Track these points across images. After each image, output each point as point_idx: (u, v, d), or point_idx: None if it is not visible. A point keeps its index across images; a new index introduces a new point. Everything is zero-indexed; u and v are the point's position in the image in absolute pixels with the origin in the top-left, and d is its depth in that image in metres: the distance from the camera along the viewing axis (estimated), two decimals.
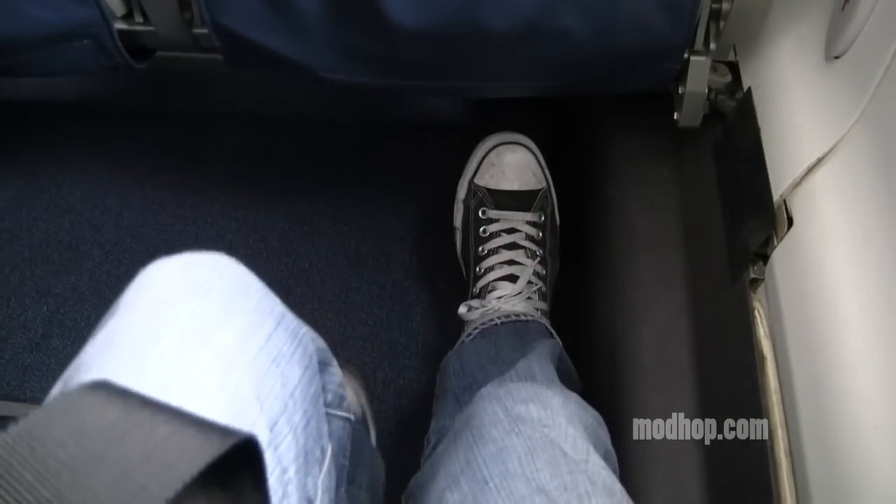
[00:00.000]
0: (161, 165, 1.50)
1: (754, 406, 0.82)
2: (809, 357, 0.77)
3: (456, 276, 1.33)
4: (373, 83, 1.04)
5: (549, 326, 1.16)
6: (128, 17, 1.02)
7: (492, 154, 1.24)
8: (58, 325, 1.36)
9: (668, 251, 1.06)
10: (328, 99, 1.37)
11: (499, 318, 1.15)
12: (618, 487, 0.74)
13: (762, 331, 0.86)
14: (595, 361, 1.10)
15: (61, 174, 1.50)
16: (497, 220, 1.22)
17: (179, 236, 1.43)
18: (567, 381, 1.03)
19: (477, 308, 1.17)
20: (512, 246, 1.21)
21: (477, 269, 1.22)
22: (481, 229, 1.22)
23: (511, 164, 1.24)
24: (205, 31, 0.98)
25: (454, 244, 1.33)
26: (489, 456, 0.73)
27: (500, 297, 1.17)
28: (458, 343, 1.18)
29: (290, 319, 0.71)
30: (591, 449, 0.76)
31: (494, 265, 1.20)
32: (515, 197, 1.23)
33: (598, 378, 1.07)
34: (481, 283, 1.20)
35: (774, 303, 0.84)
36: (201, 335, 0.64)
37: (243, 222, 1.44)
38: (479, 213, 1.23)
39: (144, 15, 1.01)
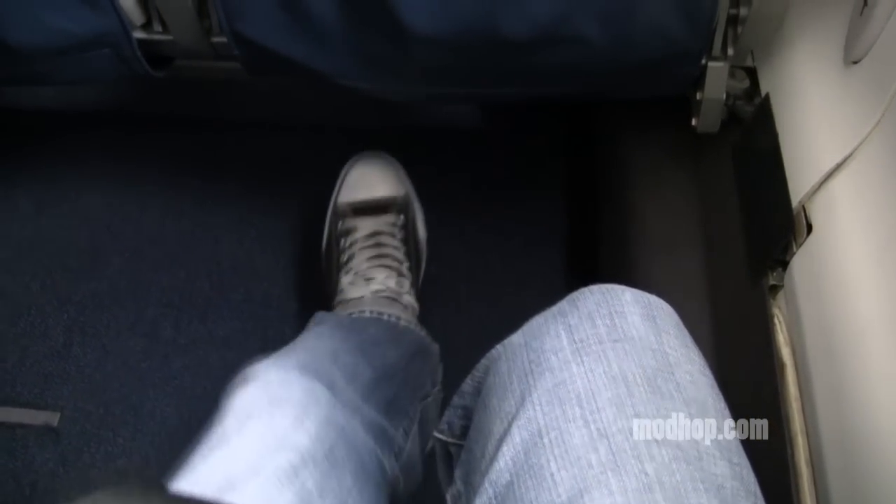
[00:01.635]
0: (180, 172, 1.50)
1: (774, 413, 0.81)
2: (830, 364, 0.77)
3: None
4: (390, 90, 1.04)
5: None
6: (146, 25, 1.03)
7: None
8: (78, 333, 1.36)
9: (686, 256, 1.06)
10: (345, 104, 1.37)
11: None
12: (710, 404, 0.66)
13: (782, 337, 0.85)
14: None
15: (81, 181, 1.50)
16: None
17: (199, 243, 1.43)
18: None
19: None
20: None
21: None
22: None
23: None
24: (223, 39, 0.99)
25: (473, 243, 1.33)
26: (545, 394, 0.67)
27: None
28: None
29: (351, 430, 0.88)
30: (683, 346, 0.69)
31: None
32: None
33: None
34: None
35: (794, 309, 0.84)
36: (278, 439, 0.79)
37: (262, 228, 1.45)
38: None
39: (163, 24, 1.02)
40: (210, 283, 1.40)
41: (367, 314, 1.18)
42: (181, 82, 1.22)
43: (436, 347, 1.21)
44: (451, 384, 1.27)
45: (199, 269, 1.41)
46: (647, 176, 1.15)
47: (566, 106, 1.38)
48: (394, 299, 1.22)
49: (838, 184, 0.82)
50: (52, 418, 1.29)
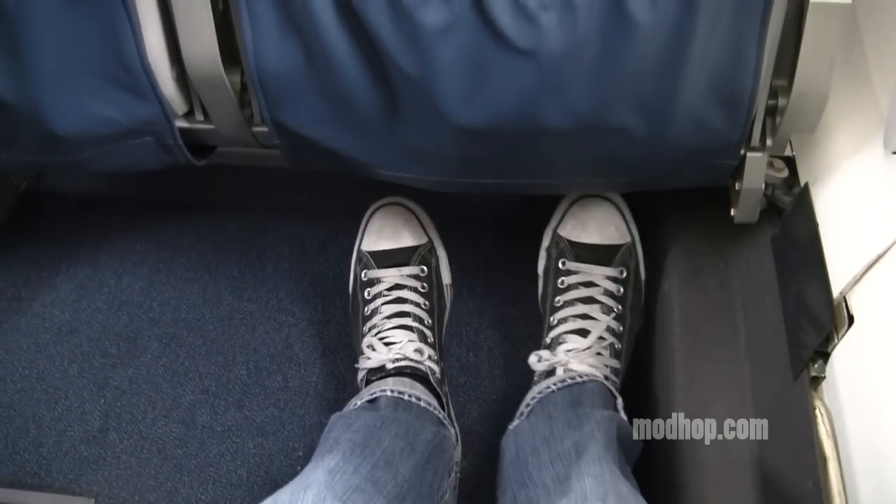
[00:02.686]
0: (218, 258, 1.51)
1: None
2: (874, 459, 0.75)
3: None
4: (430, 180, 1.05)
5: (609, 386, 1.15)
6: (189, 114, 1.04)
7: (575, 206, 1.25)
8: (115, 418, 1.36)
9: (726, 346, 1.05)
10: (385, 191, 1.38)
11: (555, 384, 1.14)
12: None
13: (824, 430, 0.84)
14: (653, 457, 1.08)
15: (121, 266, 1.52)
16: (576, 273, 1.22)
17: (237, 330, 1.43)
18: (627, 451, 1.04)
19: (546, 359, 1.16)
20: (588, 300, 1.20)
21: (551, 320, 1.21)
22: (559, 280, 1.22)
23: (593, 217, 1.23)
24: (264, 128, 1.00)
25: (514, 331, 1.34)
26: None
27: (568, 351, 1.16)
28: (517, 414, 1.17)
29: None
30: None
31: (568, 317, 1.19)
32: (596, 250, 1.23)
33: (655, 475, 1.06)
34: (553, 334, 1.19)
35: (836, 402, 0.83)
36: None
37: (300, 316, 1.45)
38: (559, 264, 1.23)
39: (205, 113, 1.03)
40: (247, 370, 1.39)
41: (389, 394, 1.17)
42: (221, 168, 1.23)
43: (451, 434, 1.19)
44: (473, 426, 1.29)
45: (237, 355, 1.41)
46: (686, 266, 1.14)
47: None
48: (414, 372, 1.21)
49: (879, 274, 0.81)
50: None
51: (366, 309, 1.26)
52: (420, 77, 0.88)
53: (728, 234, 1.11)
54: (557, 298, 1.21)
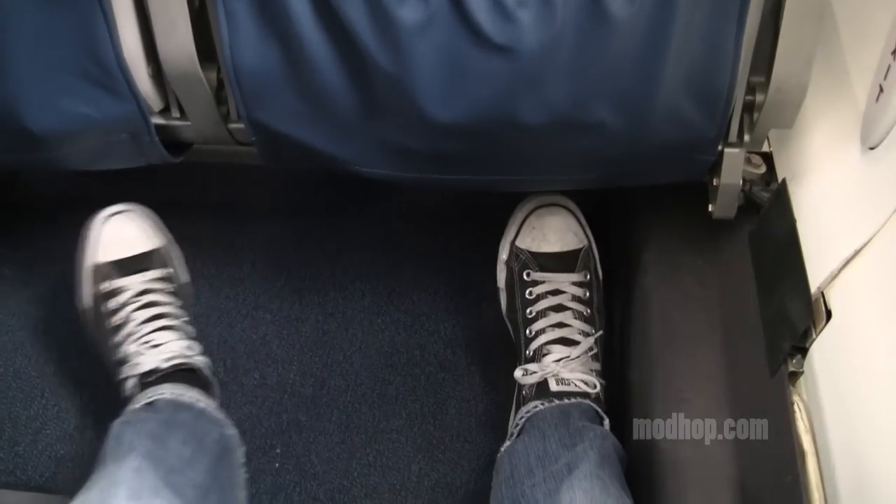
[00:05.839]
0: (195, 257, 1.50)
1: (796, 501, 0.80)
2: (851, 452, 0.76)
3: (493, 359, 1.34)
4: (408, 177, 1.04)
5: (594, 404, 1.14)
6: (164, 111, 1.04)
7: (532, 217, 1.24)
8: (91, 417, 1.36)
9: (704, 343, 1.05)
10: (360, 189, 1.38)
11: (542, 402, 1.14)
12: None
13: (802, 425, 0.84)
14: (632, 456, 1.08)
15: None
16: (543, 282, 1.21)
17: (214, 328, 1.43)
18: (618, 469, 1.04)
19: (535, 372, 1.16)
20: (559, 308, 1.20)
21: (527, 332, 1.21)
22: (527, 291, 1.22)
23: (552, 226, 1.23)
24: (241, 125, 1.00)
25: (489, 327, 1.33)
26: None
27: (556, 361, 1.16)
28: (508, 435, 1.17)
29: None
30: None
31: (545, 328, 1.19)
32: (558, 258, 1.23)
33: (634, 475, 1.06)
34: (534, 346, 1.19)
35: (814, 397, 0.83)
36: None
37: (277, 314, 1.44)
38: (524, 276, 1.22)
39: (181, 109, 1.03)
40: (224, 368, 1.39)
41: (168, 396, 1.15)
42: (197, 167, 1.23)
43: (234, 434, 1.20)
44: None
45: (214, 353, 1.40)
46: (663, 262, 1.15)
47: (582, 191, 1.38)
48: (189, 368, 1.20)
49: (857, 269, 0.81)
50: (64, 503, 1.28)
51: (112, 320, 1.23)
52: (397, 74, 0.88)
53: (706, 231, 1.11)
54: (529, 310, 1.21)
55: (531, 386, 1.16)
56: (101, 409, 1.36)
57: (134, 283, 1.24)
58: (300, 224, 1.52)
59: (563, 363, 1.15)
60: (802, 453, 0.83)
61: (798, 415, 0.85)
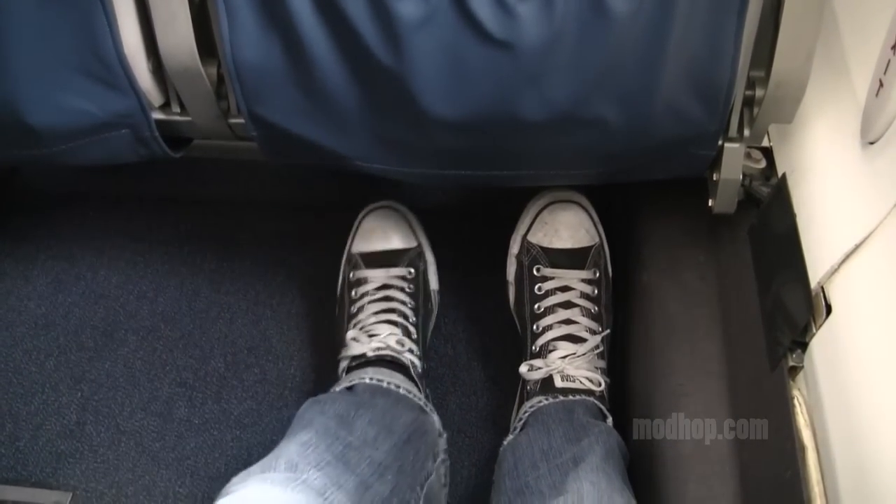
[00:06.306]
0: (196, 252, 1.50)
1: (797, 497, 0.80)
2: (851, 446, 0.76)
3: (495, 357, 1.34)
4: (408, 172, 1.05)
5: (598, 401, 1.15)
6: (165, 106, 1.04)
7: (545, 212, 1.25)
8: (92, 412, 1.36)
9: (704, 337, 1.05)
10: (362, 184, 1.38)
11: (546, 397, 1.14)
12: None
13: (802, 419, 0.84)
14: (632, 449, 1.08)
15: (98, 260, 1.51)
16: (552, 278, 1.22)
17: (214, 323, 1.43)
18: (621, 465, 1.05)
19: (541, 367, 1.17)
20: (567, 304, 1.20)
21: (534, 327, 1.21)
22: (536, 287, 1.22)
23: (564, 223, 1.24)
24: (241, 120, 1.00)
25: (489, 323, 1.35)
26: None
27: (563, 357, 1.17)
28: (511, 429, 1.17)
29: None
30: None
31: (553, 324, 1.20)
32: (569, 255, 1.23)
33: (635, 467, 1.06)
34: (540, 342, 1.19)
35: (814, 391, 0.83)
36: None
37: (278, 309, 1.45)
38: (534, 271, 1.23)
39: (182, 105, 1.03)
40: (225, 363, 1.39)
41: (368, 381, 1.17)
42: (198, 162, 1.23)
43: (433, 420, 1.20)
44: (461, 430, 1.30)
45: (214, 348, 1.41)
46: (664, 257, 1.15)
47: (584, 186, 1.38)
48: (394, 361, 1.21)
49: (857, 264, 0.81)
50: (64, 498, 1.28)
51: (352, 308, 1.27)
52: (397, 69, 0.88)
53: (706, 225, 1.11)
54: (537, 305, 1.21)
55: (536, 381, 1.17)
56: (101, 404, 1.36)
57: (377, 276, 1.28)
58: (301, 219, 1.53)
59: (569, 360, 1.15)
60: (802, 448, 0.83)
61: (798, 409, 0.85)
